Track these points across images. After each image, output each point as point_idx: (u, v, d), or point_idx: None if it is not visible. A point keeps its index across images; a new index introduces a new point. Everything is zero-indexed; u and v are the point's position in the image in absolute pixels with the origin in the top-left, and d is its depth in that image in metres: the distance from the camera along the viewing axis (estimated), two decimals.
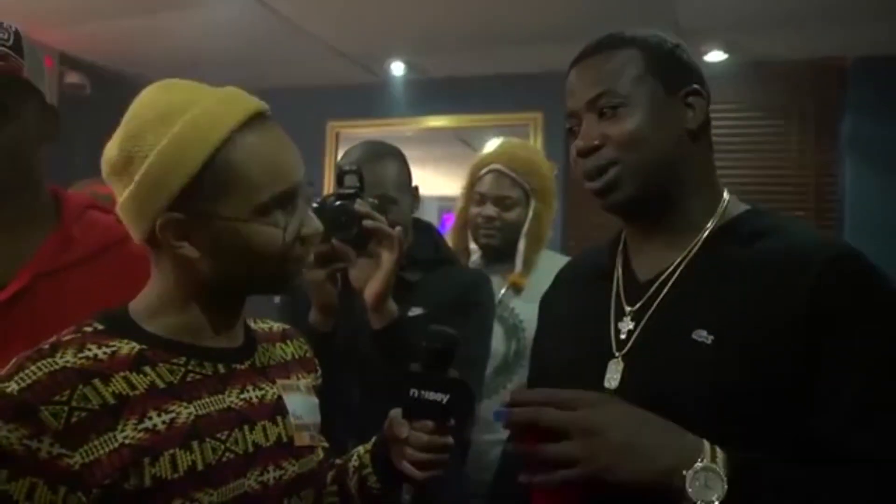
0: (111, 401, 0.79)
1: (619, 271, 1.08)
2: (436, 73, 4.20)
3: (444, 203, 5.68)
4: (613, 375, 0.98)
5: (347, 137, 4.39)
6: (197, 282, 0.88)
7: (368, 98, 4.36)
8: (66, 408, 0.76)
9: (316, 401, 1.03)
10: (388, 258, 1.35)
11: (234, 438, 0.87)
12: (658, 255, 1.02)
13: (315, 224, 0.92)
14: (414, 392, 0.97)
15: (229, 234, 0.85)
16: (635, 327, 0.99)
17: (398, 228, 1.36)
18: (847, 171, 3.67)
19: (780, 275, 0.91)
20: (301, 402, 0.98)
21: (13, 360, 0.80)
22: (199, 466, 0.83)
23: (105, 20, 3.59)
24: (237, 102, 0.87)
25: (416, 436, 0.96)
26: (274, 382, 0.96)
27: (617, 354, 0.99)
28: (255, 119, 0.87)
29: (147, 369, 0.84)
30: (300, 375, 1.03)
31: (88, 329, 0.85)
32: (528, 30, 3.46)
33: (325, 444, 1.03)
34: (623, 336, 1.00)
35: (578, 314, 1.11)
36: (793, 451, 0.86)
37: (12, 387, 0.76)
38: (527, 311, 1.95)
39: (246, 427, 0.89)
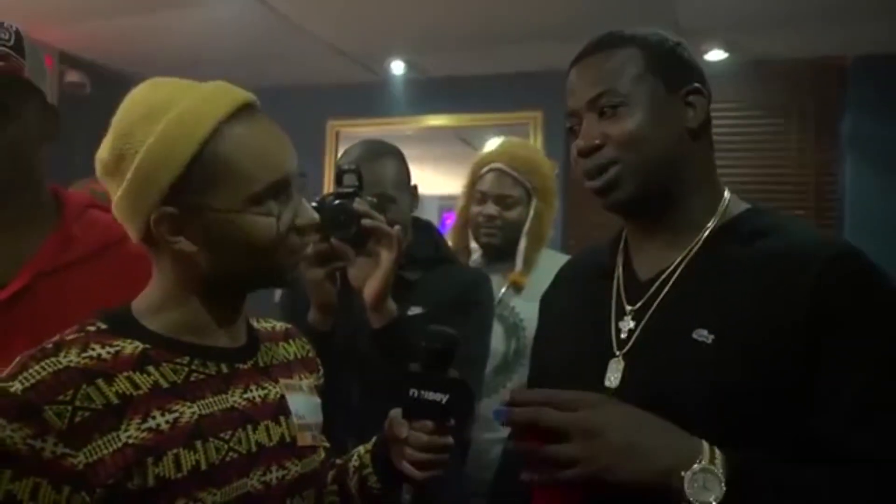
0: (115, 400, 0.79)
1: (619, 270, 1.08)
2: (436, 72, 4.20)
3: (444, 202, 5.69)
4: (614, 374, 0.98)
5: (347, 136, 4.39)
6: (196, 277, 0.88)
7: (368, 97, 4.36)
8: (69, 407, 0.76)
9: (318, 401, 1.03)
10: (386, 257, 1.35)
11: (238, 438, 0.87)
12: (659, 254, 1.02)
13: (310, 214, 0.92)
14: (413, 392, 0.97)
15: (223, 226, 0.85)
16: (636, 326, 0.99)
17: (397, 227, 1.36)
18: (847, 169, 3.67)
19: (780, 274, 0.91)
20: (303, 402, 0.98)
21: (17, 360, 0.80)
22: (203, 466, 0.83)
23: (105, 19, 3.59)
24: (224, 95, 0.87)
25: (416, 436, 0.96)
26: (277, 382, 0.96)
27: (617, 353, 0.99)
28: (243, 111, 0.87)
29: (150, 369, 0.84)
30: (303, 375, 1.03)
31: (92, 328, 0.85)
32: (527, 29, 3.46)
33: (327, 444, 1.04)
34: (624, 335, 1.00)
35: (579, 313, 1.11)
36: (793, 451, 0.86)
37: (16, 386, 0.76)
38: (527, 309, 1.95)
39: (249, 427, 0.89)
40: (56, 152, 1.17)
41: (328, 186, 4.16)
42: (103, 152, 0.86)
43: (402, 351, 1.35)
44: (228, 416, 0.87)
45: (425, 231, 1.67)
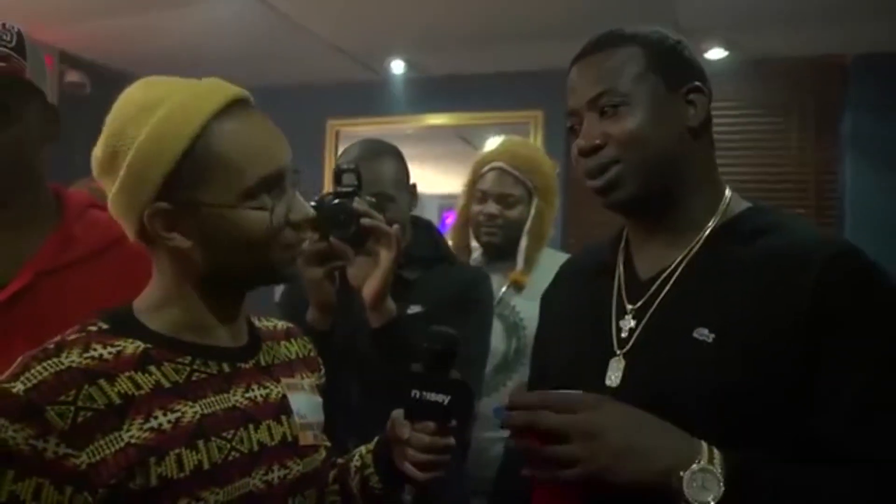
0: (117, 401, 0.79)
1: (620, 269, 1.07)
2: (436, 71, 4.20)
3: (444, 201, 5.69)
4: (615, 373, 0.98)
5: (347, 135, 4.39)
6: (193, 274, 0.88)
7: (369, 96, 4.35)
8: (71, 408, 0.76)
9: (320, 400, 1.04)
10: (386, 256, 1.35)
11: (240, 437, 0.87)
12: (659, 252, 1.02)
13: (305, 209, 0.92)
14: (415, 393, 0.97)
15: (216, 221, 0.85)
16: (637, 325, 0.99)
17: (396, 226, 1.36)
18: (847, 168, 3.67)
19: (781, 273, 0.91)
20: (305, 402, 0.99)
21: (18, 360, 0.80)
22: (205, 466, 0.83)
23: (105, 19, 3.59)
24: (215, 91, 0.87)
25: (418, 437, 0.96)
26: (278, 381, 0.96)
27: (618, 352, 0.99)
28: (235, 106, 0.87)
29: (152, 369, 0.84)
30: (304, 374, 1.03)
31: (93, 328, 0.85)
32: (528, 28, 3.46)
33: (328, 444, 1.04)
34: (624, 334, 1.00)
35: (579, 312, 1.11)
36: (793, 451, 0.86)
37: (18, 387, 0.76)
38: (527, 309, 1.95)
39: (251, 426, 0.89)
40: (56, 152, 1.18)
41: (328, 186, 4.16)
42: (98, 150, 0.87)
43: (402, 350, 1.35)
44: (230, 415, 0.87)
45: (425, 230, 1.67)
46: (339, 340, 1.40)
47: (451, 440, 0.98)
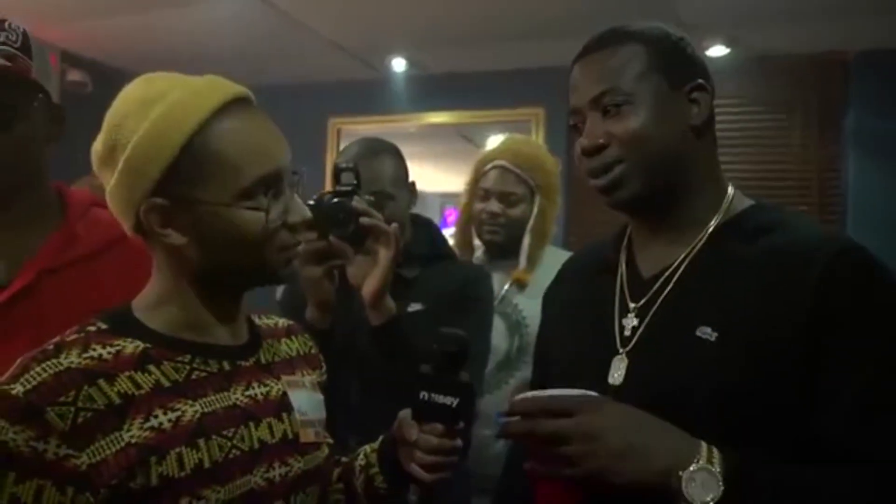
0: (117, 400, 0.79)
1: (622, 267, 1.07)
2: (437, 69, 4.20)
3: (445, 199, 5.69)
4: (617, 372, 0.98)
5: (348, 134, 4.39)
6: (189, 271, 0.88)
7: (369, 94, 4.35)
8: (71, 408, 0.76)
9: (321, 397, 1.03)
10: (384, 255, 1.35)
11: (240, 435, 0.87)
12: (662, 250, 1.02)
13: (302, 211, 0.91)
14: (424, 395, 0.97)
15: (211, 219, 0.85)
16: (639, 324, 0.99)
17: (394, 225, 1.36)
18: (850, 165, 3.66)
19: (783, 271, 0.91)
20: (306, 399, 0.98)
21: (18, 362, 0.80)
22: (206, 464, 0.83)
23: (106, 18, 3.60)
24: (215, 88, 0.87)
25: (426, 438, 0.96)
26: (279, 379, 0.96)
27: (621, 351, 0.99)
28: (235, 104, 0.87)
29: (152, 368, 0.84)
30: (305, 372, 1.03)
31: (92, 329, 0.85)
32: (528, 25, 3.46)
33: (331, 441, 1.03)
34: (627, 333, 1.00)
35: (582, 310, 1.11)
36: (794, 450, 0.86)
37: (18, 388, 0.76)
38: (530, 307, 1.95)
39: (252, 424, 0.89)
40: (58, 151, 1.18)
41: (329, 184, 4.16)
42: (98, 144, 0.87)
43: (401, 349, 1.35)
44: (231, 413, 0.87)
45: (424, 228, 1.67)
46: (339, 339, 1.40)
47: (459, 442, 0.98)
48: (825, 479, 0.83)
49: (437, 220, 1.73)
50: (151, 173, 0.83)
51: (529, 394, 0.91)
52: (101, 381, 0.79)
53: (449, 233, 2.11)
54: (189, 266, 0.87)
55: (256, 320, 1.02)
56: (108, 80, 4.07)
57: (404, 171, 1.61)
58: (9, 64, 1.05)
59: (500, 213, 2.02)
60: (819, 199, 3.75)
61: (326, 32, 3.71)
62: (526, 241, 2.03)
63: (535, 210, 2.04)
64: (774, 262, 0.92)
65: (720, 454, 0.81)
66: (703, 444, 0.82)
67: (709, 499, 0.78)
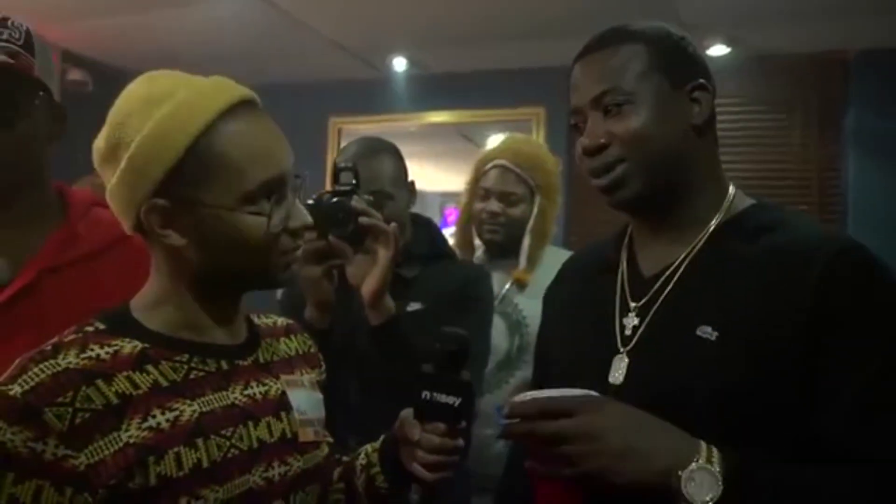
0: (115, 401, 0.79)
1: (623, 266, 1.07)
2: (437, 69, 4.20)
3: (446, 198, 5.68)
4: (618, 371, 0.98)
5: (349, 133, 4.39)
6: (187, 273, 0.88)
7: (370, 93, 4.35)
8: (69, 409, 0.76)
9: (320, 396, 1.03)
10: (384, 255, 1.35)
11: (239, 435, 0.87)
12: (663, 250, 1.02)
13: (303, 216, 0.91)
14: (426, 394, 0.97)
15: (213, 222, 0.84)
16: (640, 323, 0.99)
17: (393, 225, 1.36)
18: (850, 164, 3.66)
19: (784, 270, 0.91)
20: (305, 398, 0.98)
21: (16, 362, 0.80)
22: (205, 464, 0.82)
23: (107, 17, 3.60)
24: (222, 90, 0.87)
25: (428, 438, 0.96)
26: (277, 378, 0.96)
27: (622, 350, 0.99)
28: (241, 107, 0.86)
29: (150, 368, 0.84)
30: (304, 371, 1.02)
31: (90, 329, 0.85)
32: (529, 25, 3.46)
33: (330, 440, 1.03)
34: (628, 332, 1.00)
35: (582, 309, 1.11)
36: (794, 449, 0.86)
37: (15, 389, 0.76)
38: (530, 307, 1.95)
39: (250, 423, 0.89)
40: (58, 150, 1.18)
41: (330, 184, 4.15)
42: (100, 141, 0.86)
43: (401, 348, 1.35)
44: (229, 413, 0.87)
45: (424, 227, 1.67)
46: (339, 339, 1.40)
47: (461, 441, 0.98)
48: (825, 478, 0.83)
49: (437, 220, 1.73)
50: (154, 173, 0.83)
51: (529, 393, 0.91)
52: (99, 382, 0.79)
53: (449, 232, 2.11)
54: (188, 267, 0.87)
55: (255, 319, 1.01)
56: (109, 79, 4.07)
57: (403, 171, 1.60)
58: (11, 61, 1.05)
59: (499, 212, 2.02)
60: (819, 199, 3.75)
61: (327, 32, 3.71)
62: (526, 241, 2.03)
63: (535, 210, 2.03)
64: (775, 261, 0.92)
65: (720, 454, 0.81)
66: (703, 444, 0.82)
67: (708, 498, 0.78)
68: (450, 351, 0.98)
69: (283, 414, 0.94)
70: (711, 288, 0.95)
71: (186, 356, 0.87)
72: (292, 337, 1.06)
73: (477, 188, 2.07)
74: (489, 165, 2.05)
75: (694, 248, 0.99)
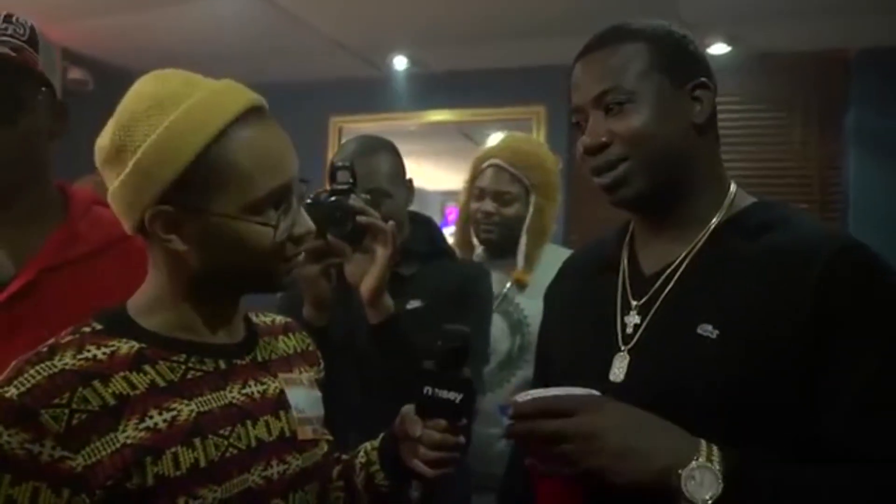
0: (111, 401, 0.79)
1: (624, 264, 1.07)
2: (438, 68, 4.19)
3: (447, 197, 5.68)
4: (619, 369, 0.98)
5: (350, 132, 4.38)
6: (187, 276, 0.87)
7: (371, 92, 4.35)
8: (66, 410, 0.76)
9: (319, 394, 1.03)
10: (382, 253, 1.35)
11: (237, 434, 0.87)
12: (664, 248, 1.02)
13: (307, 224, 0.91)
14: (428, 390, 0.97)
15: (219, 230, 0.84)
16: (641, 321, 0.99)
17: (391, 223, 1.36)
18: (851, 163, 3.66)
19: (785, 269, 0.90)
20: (303, 396, 0.98)
21: (12, 365, 0.79)
22: (202, 463, 0.82)
23: (107, 16, 3.59)
24: (233, 95, 0.86)
25: (429, 434, 0.96)
26: (276, 377, 0.96)
27: (623, 348, 0.99)
28: (251, 113, 0.85)
29: (147, 368, 0.83)
30: (302, 369, 1.02)
31: (87, 329, 0.84)
32: (530, 23, 3.45)
33: (329, 438, 1.03)
34: (629, 330, 1.00)
35: (583, 307, 1.11)
36: (795, 448, 0.86)
37: (11, 391, 0.75)
38: (531, 306, 1.95)
39: (248, 422, 0.88)
40: (59, 149, 1.17)
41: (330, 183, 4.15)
42: (105, 140, 0.85)
43: (400, 347, 1.35)
44: (227, 412, 0.87)
45: (423, 225, 1.67)
46: (338, 337, 1.40)
47: (462, 438, 0.98)
48: (825, 478, 0.83)
49: (438, 219, 1.73)
50: (161, 180, 0.81)
51: (530, 392, 0.91)
52: (96, 382, 0.79)
53: (450, 232, 2.11)
54: (188, 269, 0.87)
55: (253, 318, 1.01)
56: (110, 78, 4.07)
57: (401, 169, 1.60)
58: (15, 55, 1.05)
59: (493, 212, 2.01)
60: (820, 197, 3.75)
61: (327, 31, 3.71)
62: (523, 240, 2.01)
63: (531, 209, 2.02)
64: (776, 260, 0.92)
65: (720, 452, 0.81)
66: (703, 443, 0.82)
67: (708, 497, 0.78)
68: (452, 348, 0.98)
69: (281, 412, 0.93)
70: (712, 286, 0.95)
71: (184, 356, 0.87)
72: (290, 335, 1.05)
73: (473, 187, 2.07)
74: (485, 165, 2.04)
75: (695, 246, 0.99)
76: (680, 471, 0.79)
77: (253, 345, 0.96)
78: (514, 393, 1.08)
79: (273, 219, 0.85)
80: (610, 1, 2.81)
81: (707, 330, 0.91)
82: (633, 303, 1.01)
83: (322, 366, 1.09)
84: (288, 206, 0.87)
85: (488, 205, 2.01)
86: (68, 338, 0.83)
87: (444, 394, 0.96)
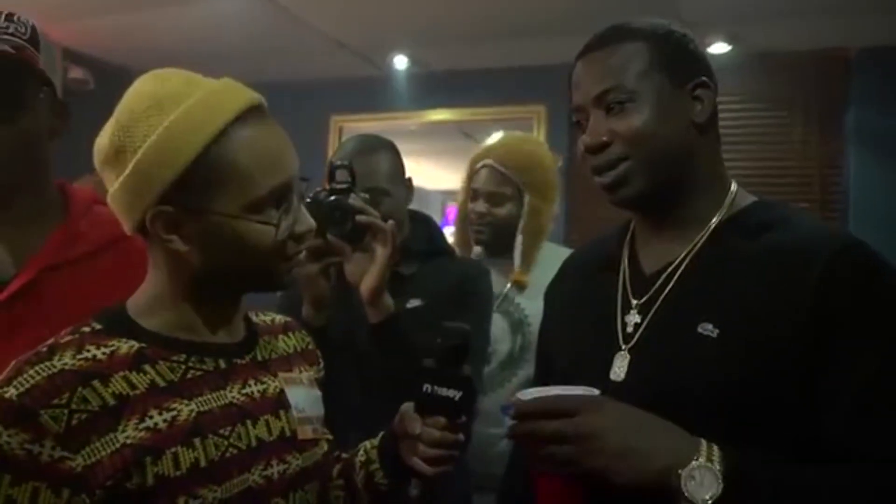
0: (111, 401, 0.79)
1: (625, 263, 1.07)
2: (438, 67, 4.19)
3: (447, 196, 5.68)
4: (619, 368, 0.98)
5: (350, 132, 4.37)
6: (188, 276, 0.87)
7: (371, 92, 4.35)
8: (65, 411, 0.75)
9: (319, 393, 1.03)
10: (381, 252, 1.35)
11: (237, 434, 0.87)
12: (664, 247, 1.02)
13: (309, 222, 0.91)
14: (427, 388, 0.97)
15: (220, 230, 0.84)
16: (642, 320, 0.99)
17: (391, 222, 1.36)
18: (851, 162, 3.65)
19: (785, 268, 0.90)
20: (303, 396, 0.98)
21: (11, 365, 0.79)
22: (202, 463, 0.82)
23: (108, 15, 3.60)
24: (232, 95, 0.85)
25: (429, 432, 0.96)
26: (276, 376, 0.96)
27: (623, 347, 0.99)
28: (251, 112, 0.85)
29: (147, 368, 0.83)
30: (302, 368, 1.02)
31: (87, 329, 0.84)
32: (530, 22, 3.45)
33: (329, 437, 1.03)
34: (630, 329, 1.00)
35: (584, 306, 1.11)
36: (795, 447, 0.86)
37: (11, 392, 0.75)
38: (532, 306, 1.94)
39: (248, 422, 0.88)
40: (60, 148, 1.18)
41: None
42: (104, 140, 0.84)
43: (400, 346, 1.35)
44: (227, 412, 0.87)
45: (423, 224, 1.67)
46: (338, 337, 1.40)
47: (461, 436, 0.98)
48: (825, 477, 0.83)
49: (438, 218, 1.73)
50: (162, 180, 0.81)
51: (530, 391, 0.91)
52: (96, 382, 0.79)
53: (450, 231, 2.10)
54: (188, 269, 0.86)
55: (253, 317, 1.01)
56: (110, 77, 4.07)
57: (400, 167, 1.60)
58: (15, 53, 1.05)
59: (486, 213, 2.00)
60: (820, 196, 3.75)
61: (328, 30, 3.71)
62: (518, 240, 2.00)
63: (526, 209, 2.00)
64: (776, 259, 0.92)
65: (720, 452, 0.81)
66: (703, 442, 0.82)
67: (708, 496, 0.78)
68: (451, 345, 0.98)
69: (281, 412, 0.93)
70: (712, 286, 0.95)
71: (184, 356, 0.87)
72: (290, 334, 1.05)
73: (469, 188, 2.06)
74: (479, 165, 2.03)
75: (695, 245, 0.99)
76: (680, 471, 0.79)
77: (253, 344, 0.96)
78: (515, 393, 1.08)
79: (274, 217, 0.85)
80: (610, 0, 2.82)
81: (707, 329, 0.92)
82: (634, 302, 1.01)
83: (322, 365, 1.09)
84: (289, 204, 0.87)
85: (481, 206, 2.00)
86: (68, 338, 0.83)
87: (444, 391, 0.96)
